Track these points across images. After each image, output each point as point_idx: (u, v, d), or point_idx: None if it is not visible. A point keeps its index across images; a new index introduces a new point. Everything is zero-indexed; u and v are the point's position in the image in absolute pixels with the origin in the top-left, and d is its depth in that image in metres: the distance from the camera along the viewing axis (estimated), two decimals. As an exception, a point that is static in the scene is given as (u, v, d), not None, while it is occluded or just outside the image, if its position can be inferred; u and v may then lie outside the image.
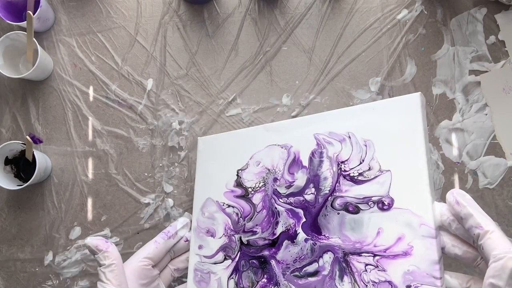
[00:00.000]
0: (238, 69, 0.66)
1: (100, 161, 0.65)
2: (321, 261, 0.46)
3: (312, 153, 0.51)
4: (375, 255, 0.43)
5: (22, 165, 0.65)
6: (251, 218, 0.53)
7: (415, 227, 0.42)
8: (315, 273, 0.46)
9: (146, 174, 0.65)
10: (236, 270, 0.52)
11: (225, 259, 0.54)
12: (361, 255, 0.44)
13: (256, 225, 0.53)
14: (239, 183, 0.55)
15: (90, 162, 0.66)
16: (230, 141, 0.57)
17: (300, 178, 0.50)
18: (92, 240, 0.50)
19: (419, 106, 0.45)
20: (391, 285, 0.42)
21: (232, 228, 0.54)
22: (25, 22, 0.62)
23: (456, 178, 0.63)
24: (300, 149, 0.51)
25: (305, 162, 0.50)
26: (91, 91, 0.67)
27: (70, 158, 0.66)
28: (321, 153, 0.50)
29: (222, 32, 0.67)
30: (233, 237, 0.54)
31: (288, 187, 0.51)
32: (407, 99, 0.46)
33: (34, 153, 0.61)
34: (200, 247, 0.55)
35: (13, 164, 0.65)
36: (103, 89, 0.67)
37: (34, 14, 0.62)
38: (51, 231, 0.64)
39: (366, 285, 0.43)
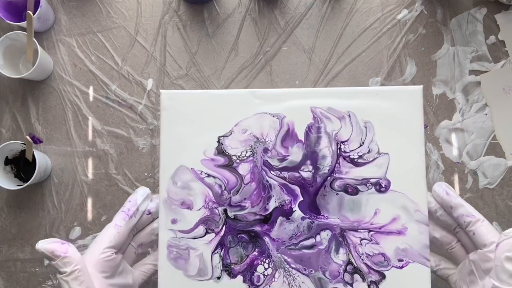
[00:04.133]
0: (238, 69, 0.66)
1: (100, 161, 0.65)
2: (318, 237, 0.47)
3: (309, 127, 0.48)
4: (370, 231, 0.47)
5: (22, 165, 0.65)
6: (238, 191, 0.48)
7: (410, 211, 0.46)
8: (311, 247, 0.47)
9: (146, 174, 0.65)
10: (221, 244, 0.48)
11: (207, 233, 0.48)
12: (357, 231, 0.47)
13: (244, 198, 0.48)
14: (220, 151, 0.49)
15: (90, 162, 0.66)
16: (207, 102, 0.49)
17: (296, 153, 0.48)
18: (45, 245, 0.42)
19: (421, 98, 0.48)
20: (384, 257, 0.46)
21: (214, 200, 0.48)
22: (25, 22, 0.62)
23: (456, 178, 0.63)
24: (294, 121, 0.48)
25: (301, 136, 0.48)
26: (91, 91, 0.67)
27: (70, 158, 0.66)
28: (319, 128, 0.48)
29: (222, 32, 0.67)
30: (216, 210, 0.48)
31: (282, 160, 0.48)
32: (410, 90, 0.48)
33: (34, 153, 0.61)
34: (174, 221, 0.48)
35: (13, 164, 0.65)
36: (103, 89, 0.67)
37: (34, 14, 0.62)
38: (51, 231, 0.64)
39: (360, 256, 0.47)
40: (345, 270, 0.47)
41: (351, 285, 0.46)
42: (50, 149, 0.66)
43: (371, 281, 0.46)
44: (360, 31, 0.66)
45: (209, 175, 0.49)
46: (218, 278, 0.48)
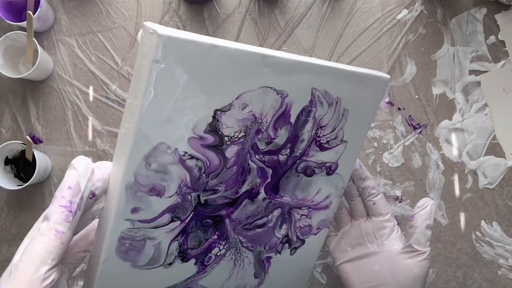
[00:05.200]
0: (238, 69, 0.66)
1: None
2: (270, 216, 0.48)
3: (302, 110, 0.44)
4: (309, 208, 0.51)
5: (22, 165, 0.65)
6: (218, 175, 0.42)
7: (339, 189, 0.51)
8: (262, 225, 0.48)
9: (146, 174, 0.65)
10: (183, 231, 0.42)
11: (172, 221, 0.41)
12: (301, 209, 0.50)
13: (221, 183, 0.42)
14: (214, 129, 0.39)
15: (90, 162, 0.66)
16: (213, 59, 0.37)
17: (282, 136, 0.44)
18: None
19: (386, 88, 0.49)
20: (309, 227, 0.51)
21: (190, 186, 0.41)
22: (25, 22, 0.62)
23: (456, 178, 0.63)
24: (294, 102, 0.44)
25: (292, 119, 0.45)
26: (91, 91, 0.67)
27: (70, 158, 0.66)
28: (309, 112, 0.45)
29: (222, 32, 0.67)
30: (189, 196, 0.41)
31: (268, 143, 0.44)
32: (380, 79, 0.48)
33: (34, 153, 0.61)
34: (134, 210, 0.38)
35: (13, 164, 0.65)
36: (103, 89, 0.67)
37: (34, 14, 0.62)
38: (51, 231, 0.64)
39: (296, 230, 0.51)
40: (281, 242, 0.50)
41: (280, 252, 0.50)
42: (50, 149, 0.66)
43: (293, 247, 0.51)
44: (360, 31, 0.66)
45: (192, 157, 0.40)
46: (170, 264, 0.43)
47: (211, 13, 0.68)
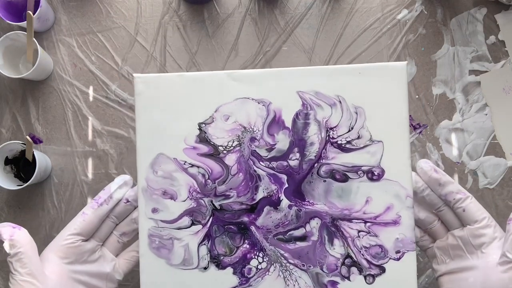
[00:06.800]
0: (238, 69, 0.66)
1: (100, 161, 0.65)
2: (308, 227, 0.46)
3: (297, 114, 0.46)
4: (366, 222, 0.46)
5: (22, 165, 0.65)
6: (224, 181, 0.47)
7: (402, 198, 0.45)
8: (303, 238, 0.46)
9: (146, 174, 0.65)
10: (208, 236, 0.47)
11: (193, 224, 0.47)
12: (352, 221, 0.46)
13: (230, 188, 0.47)
14: (204, 139, 0.47)
15: (90, 162, 0.66)
16: (181, 85, 0.47)
17: (282, 141, 0.46)
18: None
19: (405, 75, 0.46)
20: (381, 249, 0.45)
21: (199, 191, 0.47)
22: (25, 22, 0.62)
23: (456, 178, 0.63)
24: (282, 108, 0.46)
25: (288, 123, 0.46)
26: (91, 91, 0.67)
27: (70, 158, 0.66)
28: (307, 114, 0.46)
29: (222, 32, 0.67)
30: (202, 201, 0.47)
31: (270, 150, 0.47)
32: (394, 67, 0.46)
33: (34, 153, 0.61)
34: (154, 210, 0.47)
35: (13, 164, 0.65)
36: (103, 89, 0.67)
37: (34, 14, 0.62)
38: (51, 231, 0.64)
39: (360, 251, 0.45)
40: (343, 264, 0.46)
41: (348, 278, 0.46)
42: (50, 149, 0.66)
43: (368, 274, 0.45)
44: (360, 31, 0.66)
45: (192, 165, 0.47)
46: (205, 268, 0.47)
47: (211, 13, 0.68)
